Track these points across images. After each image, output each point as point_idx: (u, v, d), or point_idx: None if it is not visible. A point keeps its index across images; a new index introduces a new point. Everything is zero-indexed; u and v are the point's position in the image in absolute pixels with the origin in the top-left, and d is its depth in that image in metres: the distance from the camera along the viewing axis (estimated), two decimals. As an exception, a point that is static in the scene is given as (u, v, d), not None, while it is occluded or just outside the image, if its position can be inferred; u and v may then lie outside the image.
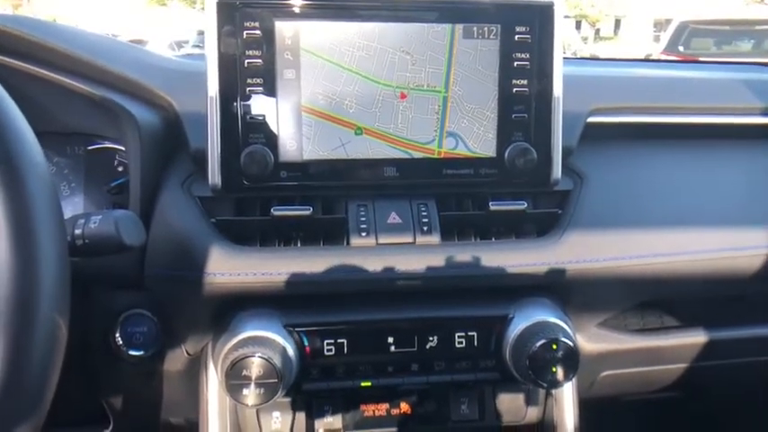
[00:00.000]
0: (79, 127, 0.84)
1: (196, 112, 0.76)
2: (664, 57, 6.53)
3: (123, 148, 0.83)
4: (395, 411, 0.81)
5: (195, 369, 0.81)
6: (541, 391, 0.84)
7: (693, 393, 1.08)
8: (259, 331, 0.69)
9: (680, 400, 1.08)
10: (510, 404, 0.83)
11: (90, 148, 0.85)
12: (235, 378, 0.66)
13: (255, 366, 0.66)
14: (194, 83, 0.77)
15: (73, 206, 0.83)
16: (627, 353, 0.88)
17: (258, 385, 0.65)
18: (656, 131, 0.89)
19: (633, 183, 0.85)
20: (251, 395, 0.66)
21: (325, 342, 0.73)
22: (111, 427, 0.86)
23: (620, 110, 0.87)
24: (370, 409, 0.80)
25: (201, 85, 0.73)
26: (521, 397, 0.83)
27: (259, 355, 0.66)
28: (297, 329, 0.72)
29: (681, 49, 6.67)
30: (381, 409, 0.80)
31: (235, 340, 0.68)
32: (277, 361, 0.66)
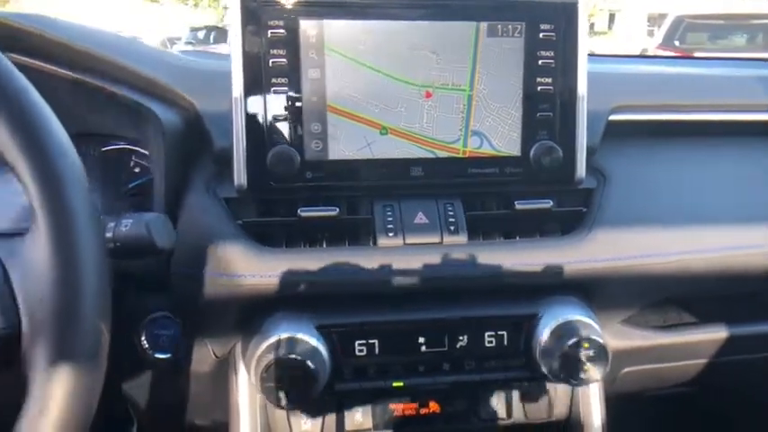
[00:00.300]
0: (94, 127, 0.83)
1: (218, 112, 0.75)
2: (660, 51, 6.54)
3: (140, 149, 0.83)
4: (424, 411, 0.81)
5: (223, 371, 0.81)
6: (568, 388, 0.84)
7: (710, 389, 1.08)
8: (292, 333, 0.69)
9: (696, 396, 1.09)
10: (538, 402, 0.83)
11: (105, 149, 0.85)
12: (270, 381, 0.66)
13: (290, 369, 0.65)
14: (215, 83, 0.76)
15: None
16: (649, 349, 0.89)
17: (294, 387, 0.65)
18: (678, 129, 0.89)
19: (655, 180, 0.85)
20: (287, 397, 0.66)
21: (357, 343, 0.73)
22: (134, 429, 0.86)
23: (642, 107, 0.87)
24: (399, 409, 0.80)
25: (222, 84, 0.72)
26: (548, 395, 0.84)
27: (294, 357, 0.66)
28: (329, 330, 0.72)
29: (676, 43, 6.66)
30: (411, 408, 0.80)
31: (267, 343, 0.68)
32: (311, 362, 0.66)
